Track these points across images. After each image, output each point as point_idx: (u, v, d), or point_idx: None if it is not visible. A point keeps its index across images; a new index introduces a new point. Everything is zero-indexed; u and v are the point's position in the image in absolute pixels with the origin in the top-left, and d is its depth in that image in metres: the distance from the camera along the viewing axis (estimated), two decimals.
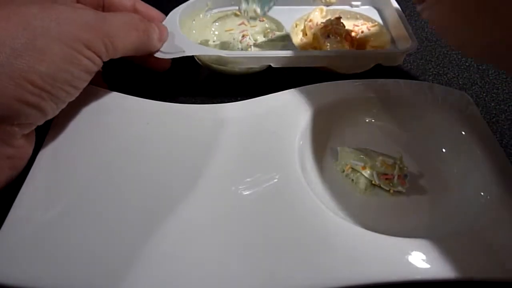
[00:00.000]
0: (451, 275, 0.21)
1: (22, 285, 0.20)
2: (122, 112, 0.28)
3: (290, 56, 0.32)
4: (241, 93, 0.32)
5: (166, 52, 0.31)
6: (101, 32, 0.24)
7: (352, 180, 0.28)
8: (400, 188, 0.27)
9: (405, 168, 0.28)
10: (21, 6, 0.22)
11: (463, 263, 0.22)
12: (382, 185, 0.27)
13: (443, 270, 0.21)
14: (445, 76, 0.37)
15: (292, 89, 0.30)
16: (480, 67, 0.38)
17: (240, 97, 0.30)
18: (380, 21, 0.38)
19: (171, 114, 0.29)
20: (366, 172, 0.27)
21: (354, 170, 0.28)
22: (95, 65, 0.25)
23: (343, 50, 0.34)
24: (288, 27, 0.36)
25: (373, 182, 0.27)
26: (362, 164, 0.27)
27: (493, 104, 0.35)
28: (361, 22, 0.38)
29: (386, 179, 0.27)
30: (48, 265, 0.21)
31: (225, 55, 0.32)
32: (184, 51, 0.31)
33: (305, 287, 0.21)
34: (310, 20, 0.37)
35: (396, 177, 0.27)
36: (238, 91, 0.35)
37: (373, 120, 0.31)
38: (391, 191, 0.27)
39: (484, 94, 0.36)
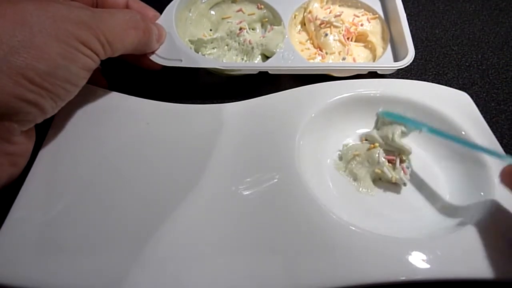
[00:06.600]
0: (451, 275, 0.21)
1: (22, 285, 0.20)
2: (122, 112, 0.28)
3: (286, 68, 0.32)
4: (241, 93, 0.32)
5: (162, 57, 0.31)
6: (98, 30, 0.24)
7: (353, 180, 0.28)
8: (402, 177, 0.27)
9: (406, 160, 0.28)
10: (18, 4, 0.22)
11: (463, 263, 0.22)
12: (385, 169, 0.27)
13: (443, 270, 0.21)
14: (445, 76, 0.37)
15: (292, 89, 0.30)
16: (480, 67, 0.38)
17: (240, 97, 0.30)
18: (381, 12, 0.38)
19: (171, 114, 0.29)
20: (373, 153, 0.27)
21: (356, 166, 0.28)
22: (93, 62, 0.25)
23: (339, 63, 0.34)
24: (286, 16, 0.36)
25: (375, 170, 0.27)
26: (372, 142, 0.28)
27: (493, 104, 0.35)
28: (362, 12, 0.38)
29: (389, 161, 0.27)
30: (48, 265, 0.21)
31: (221, 67, 0.32)
32: (181, 60, 0.31)
33: (305, 286, 0.21)
34: (310, 12, 0.37)
35: (398, 161, 0.27)
36: (238, 91, 0.35)
37: (373, 120, 0.31)
38: (393, 179, 0.27)
39: (484, 94, 0.36)
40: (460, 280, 0.21)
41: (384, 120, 0.29)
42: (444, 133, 0.22)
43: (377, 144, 0.28)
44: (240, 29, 0.35)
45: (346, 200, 0.27)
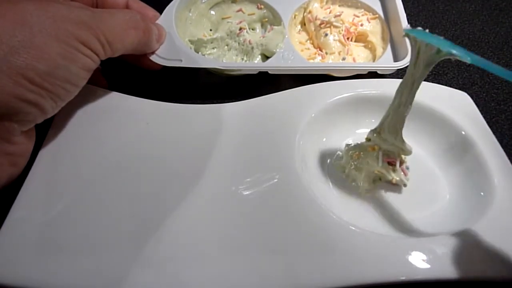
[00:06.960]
0: (451, 275, 0.21)
1: (22, 285, 0.20)
2: (122, 112, 0.28)
3: (285, 68, 0.32)
4: (241, 93, 0.32)
5: (162, 57, 0.31)
6: (97, 30, 0.24)
7: (353, 180, 0.28)
8: (402, 178, 0.27)
9: (406, 161, 0.28)
10: (18, 4, 0.22)
11: (463, 263, 0.22)
12: (384, 171, 0.27)
13: (443, 270, 0.21)
14: (445, 76, 0.37)
15: (291, 89, 0.30)
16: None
17: (240, 97, 0.30)
18: (381, 12, 0.38)
19: (171, 114, 0.29)
20: (374, 155, 0.27)
21: (357, 166, 0.28)
22: (93, 62, 0.25)
23: (339, 63, 0.34)
24: (286, 16, 0.36)
25: (375, 171, 0.27)
26: (373, 144, 0.27)
27: (493, 104, 0.35)
28: (362, 12, 0.38)
29: (389, 163, 0.27)
30: (48, 265, 0.21)
31: (221, 67, 0.32)
32: (181, 60, 0.31)
33: (305, 286, 0.21)
34: (310, 12, 0.37)
35: (398, 163, 0.27)
36: (238, 91, 0.35)
37: (373, 120, 0.31)
38: (393, 180, 0.27)
39: (484, 94, 0.36)
40: (460, 280, 0.21)
41: (416, 42, 0.24)
42: (481, 61, 0.20)
43: (376, 147, 0.27)
44: (240, 29, 0.35)
45: (346, 200, 0.27)
